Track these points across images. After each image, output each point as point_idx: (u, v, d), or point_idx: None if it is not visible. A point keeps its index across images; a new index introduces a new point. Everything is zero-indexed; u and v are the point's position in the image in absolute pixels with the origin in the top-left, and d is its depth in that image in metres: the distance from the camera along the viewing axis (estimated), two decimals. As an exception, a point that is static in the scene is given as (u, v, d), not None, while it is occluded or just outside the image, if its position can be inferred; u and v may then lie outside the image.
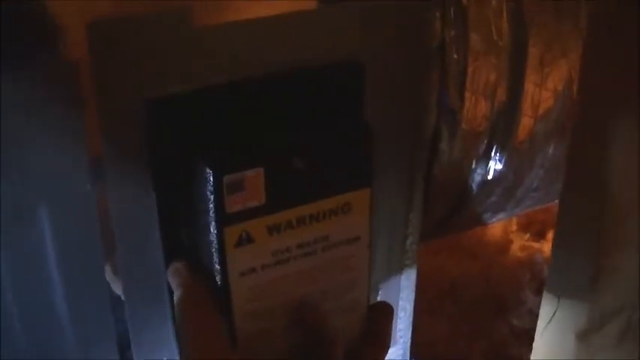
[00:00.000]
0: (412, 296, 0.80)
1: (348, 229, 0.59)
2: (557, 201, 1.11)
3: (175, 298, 0.60)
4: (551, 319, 0.78)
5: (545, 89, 0.92)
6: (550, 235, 1.71)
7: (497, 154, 0.91)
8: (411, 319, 0.81)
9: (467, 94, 0.86)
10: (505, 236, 1.71)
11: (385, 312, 0.63)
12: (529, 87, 0.91)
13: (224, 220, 0.53)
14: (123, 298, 0.68)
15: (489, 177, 0.92)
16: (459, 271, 1.62)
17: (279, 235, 0.55)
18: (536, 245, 1.70)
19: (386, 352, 0.62)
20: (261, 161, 0.53)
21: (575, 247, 0.76)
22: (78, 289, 0.66)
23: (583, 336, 0.76)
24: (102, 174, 0.62)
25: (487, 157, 0.91)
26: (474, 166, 0.91)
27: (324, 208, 0.56)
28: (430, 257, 1.61)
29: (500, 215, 1.06)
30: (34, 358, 0.69)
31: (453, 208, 0.95)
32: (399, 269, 0.79)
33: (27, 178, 0.61)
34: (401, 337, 0.80)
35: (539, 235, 1.73)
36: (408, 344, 0.81)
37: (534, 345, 0.79)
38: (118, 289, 0.69)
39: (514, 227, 1.73)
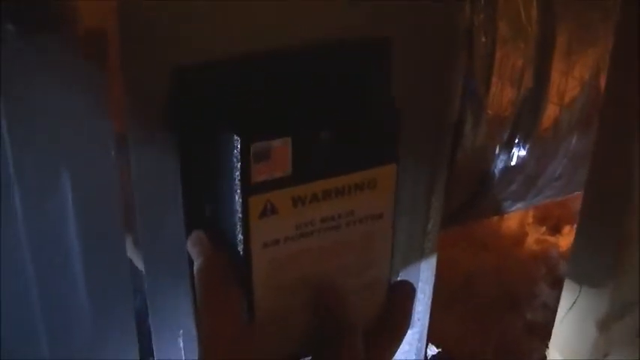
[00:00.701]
0: (431, 279, 0.80)
1: (373, 206, 0.58)
2: (575, 194, 1.11)
3: (195, 267, 0.59)
4: (571, 307, 0.77)
5: (572, 77, 0.91)
6: (566, 229, 1.70)
7: (521, 142, 0.91)
8: (429, 302, 0.80)
9: (493, 80, 0.85)
10: (521, 229, 1.70)
11: (407, 292, 0.62)
12: (555, 75, 0.90)
13: (249, 189, 0.52)
14: (143, 270, 0.68)
15: (512, 164, 0.92)
16: (473, 263, 1.61)
17: (304, 208, 0.55)
18: (551, 239, 1.69)
19: (405, 333, 0.61)
20: (288, 131, 0.52)
21: (598, 237, 0.75)
22: (98, 259, 0.66)
23: (603, 325, 0.76)
24: (125, 147, 0.61)
25: (511, 144, 0.90)
26: (497, 152, 0.90)
27: (350, 183, 0.56)
28: (445, 250, 1.60)
29: (520, 204, 1.05)
30: (51, 326, 0.68)
31: (473, 194, 0.94)
32: (419, 252, 0.79)
33: (50, 145, 0.61)
34: (419, 319, 0.80)
35: (555, 230, 1.72)
36: (426, 327, 0.81)
37: (553, 332, 0.79)
38: (139, 262, 0.68)
39: (530, 220, 1.72)
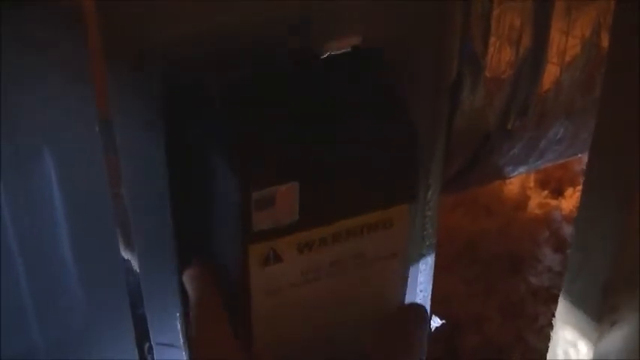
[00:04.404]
0: (433, 249, 0.78)
1: (386, 246, 0.53)
2: (578, 156, 1.08)
3: (190, 301, 0.58)
4: (577, 273, 0.76)
5: (572, 36, 0.88)
6: (568, 192, 1.69)
7: (521, 103, 0.88)
8: (431, 272, 0.78)
9: (491, 40, 0.82)
10: (522, 193, 1.68)
11: (419, 319, 0.57)
12: (555, 33, 0.87)
13: (250, 237, 0.48)
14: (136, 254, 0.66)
15: (512, 127, 0.90)
16: (476, 228, 1.60)
17: (311, 253, 0.50)
18: (553, 202, 1.67)
19: None
20: (295, 175, 0.47)
21: (605, 199, 0.73)
22: (87, 241, 0.64)
23: (610, 291, 0.74)
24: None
25: (510, 106, 0.88)
26: (496, 115, 0.88)
27: (362, 224, 0.51)
28: (446, 215, 1.59)
29: (522, 169, 1.03)
30: (42, 310, 0.67)
31: (473, 159, 0.92)
32: (420, 221, 0.77)
33: (31, 119, 0.59)
34: (421, 290, 0.78)
35: (557, 192, 1.69)
36: (429, 298, 0.79)
37: (560, 298, 0.77)
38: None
39: (531, 184, 1.70)
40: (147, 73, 0.55)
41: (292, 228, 0.48)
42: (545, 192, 1.70)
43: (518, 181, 1.68)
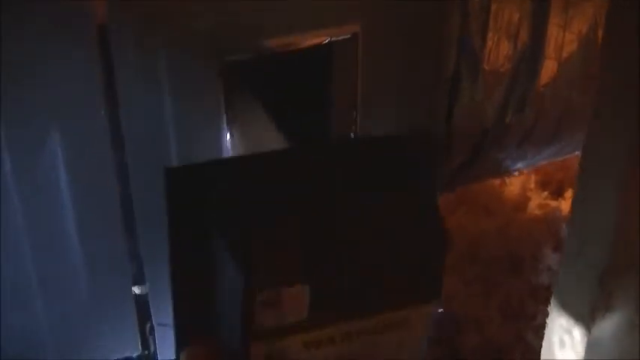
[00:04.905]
0: None
1: (400, 347, 0.50)
2: (576, 153, 1.09)
3: None
4: (573, 258, 0.76)
5: (570, 32, 0.90)
6: (568, 193, 1.68)
7: (519, 98, 0.90)
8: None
9: (489, 34, 0.84)
10: (523, 194, 1.68)
11: None
12: (553, 29, 0.89)
13: (253, 334, 0.45)
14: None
15: (510, 121, 0.91)
16: (477, 228, 1.60)
17: (317, 351, 0.47)
18: (553, 203, 1.67)
19: None
20: (306, 276, 0.43)
21: (600, 188, 0.74)
22: (89, 217, 0.65)
23: (606, 277, 0.75)
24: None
25: (509, 100, 0.89)
26: (495, 108, 0.89)
27: (377, 324, 0.47)
28: (449, 215, 1.59)
29: (521, 164, 1.04)
30: (46, 283, 0.68)
31: (472, 153, 0.93)
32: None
33: (39, 104, 0.60)
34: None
35: (557, 194, 1.70)
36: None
37: (554, 288, 0.78)
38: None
39: (532, 185, 1.70)
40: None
41: (300, 326, 0.45)
42: (546, 193, 1.70)
43: (519, 182, 1.68)
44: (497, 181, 1.60)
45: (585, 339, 0.78)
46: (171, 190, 0.47)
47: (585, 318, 0.77)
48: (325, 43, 0.64)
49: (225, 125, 0.69)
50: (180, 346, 0.54)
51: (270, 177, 0.46)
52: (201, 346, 0.50)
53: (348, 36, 0.62)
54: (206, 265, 0.47)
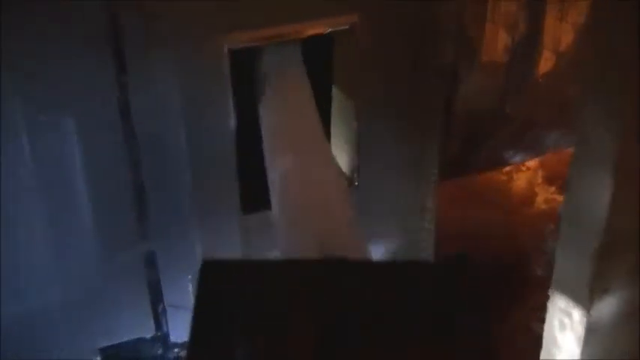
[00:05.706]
0: (432, 237, 0.79)
1: None
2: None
3: None
4: (569, 242, 0.78)
5: (567, 23, 0.91)
6: (575, 189, 1.69)
7: (518, 87, 0.91)
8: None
9: (487, 25, 0.86)
10: (530, 189, 1.70)
11: None
12: (550, 20, 0.91)
13: None
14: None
15: (509, 110, 0.93)
16: (483, 221, 1.61)
17: None
18: (560, 198, 1.68)
19: None
20: None
21: (593, 174, 0.76)
22: (103, 197, 0.67)
23: (601, 259, 0.76)
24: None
25: (507, 90, 0.91)
26: (493, 98, 0.91)
27: None
28: (455, 208, 1.61)
29: (520, 155, 1.05)
30: (60, 264, 0.70)
31: (472, 143, 0.95)
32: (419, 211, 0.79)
33: (53, 88, 0.62)
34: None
35: (564, 189, 1.71)
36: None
37: (555, 267, 0.80)
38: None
39: (539, 180, 1.72)
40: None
41: None
42: (553, 188, 1.72)
43: (525, 177, 1.70)
44: (503, 176, 1.62)
45: (585, 320, 0.79)
46: (202, 284, 0.46)
47: (584, 300, 0.79)
48: (325, 34, 0.66)
49: (232, 112, 0.71)
50: None
51: (307, 289, 0.45)
52: None
53: (347, 27, 0.64)
54: None
